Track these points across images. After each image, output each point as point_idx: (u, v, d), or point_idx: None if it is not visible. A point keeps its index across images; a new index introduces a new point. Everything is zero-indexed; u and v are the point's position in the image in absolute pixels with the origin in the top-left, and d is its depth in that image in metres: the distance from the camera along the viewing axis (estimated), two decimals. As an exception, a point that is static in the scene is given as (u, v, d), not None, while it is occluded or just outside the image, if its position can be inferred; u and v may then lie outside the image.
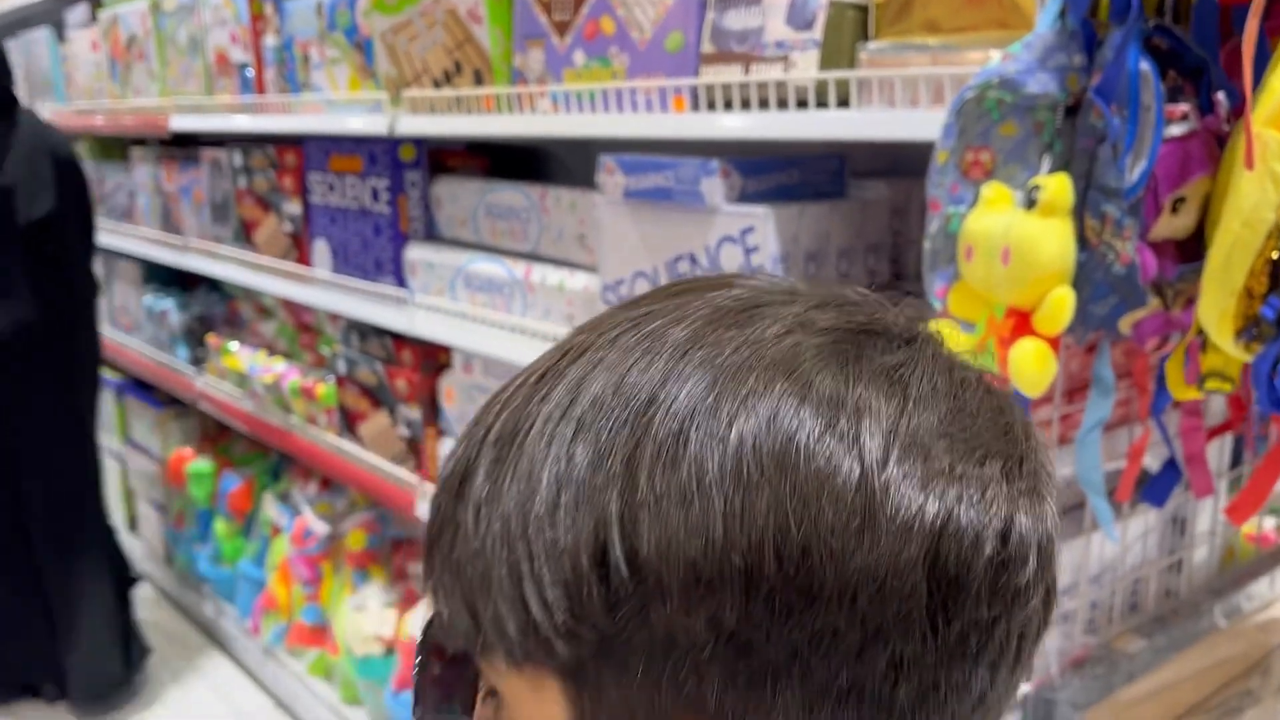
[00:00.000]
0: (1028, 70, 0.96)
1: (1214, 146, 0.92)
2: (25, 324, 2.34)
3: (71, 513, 2.52)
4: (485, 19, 1.66)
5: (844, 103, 1.18)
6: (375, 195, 2.03)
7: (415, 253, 1.96)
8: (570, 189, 1.69)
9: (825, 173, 1.41)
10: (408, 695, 2.12)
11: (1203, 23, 0.94)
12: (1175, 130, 0.89)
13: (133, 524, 3.50)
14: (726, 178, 1.32)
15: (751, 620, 0.34)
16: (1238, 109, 0.94)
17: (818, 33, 1.21)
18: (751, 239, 1.30)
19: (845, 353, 0.37)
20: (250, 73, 2.38)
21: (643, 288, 1.46)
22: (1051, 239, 0.91)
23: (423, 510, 2.01)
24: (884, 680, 0.35)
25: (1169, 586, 1.38)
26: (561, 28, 1.55)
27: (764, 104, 1.26)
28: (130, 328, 3.34)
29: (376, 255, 2.06)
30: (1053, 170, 0.98)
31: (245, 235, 2.52)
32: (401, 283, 2.00)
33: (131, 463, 3.41)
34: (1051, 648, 1.17)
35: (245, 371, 2.60)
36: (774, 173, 1.36)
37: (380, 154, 1.99)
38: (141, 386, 3.37)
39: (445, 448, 2.00)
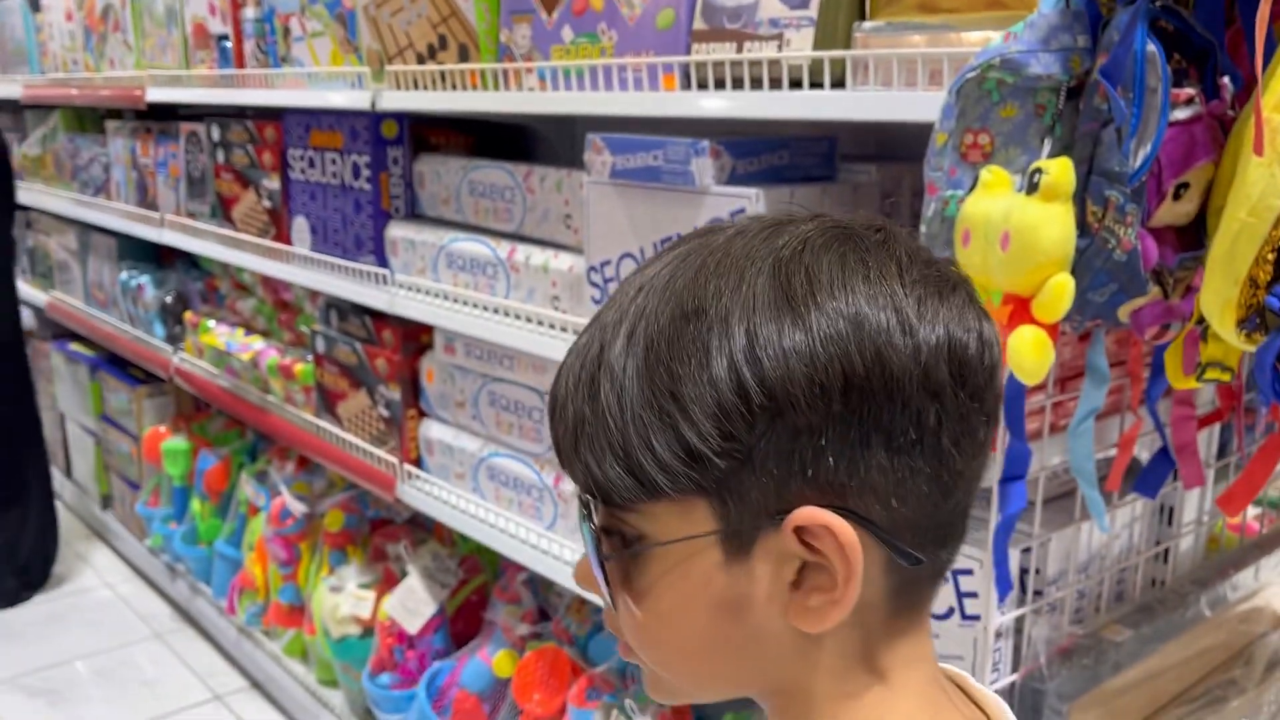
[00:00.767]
0: (1030, 51, 0.94)
1: (1218, 131, 0.90)
2: None
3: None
4: (471, -8, 1.63)
5: (839, 83, 1.16)
6: (356, 171, 1.99)
7: (397, 231, 1.93)
8: (557, 168, 1.66)
9: (816, 155, 1.39)
10: (384, 677, 2.10)
11: (1208, 5, 0.92)
12: (1180, 114, 0.87)
13: (107, 502, 3.45)
14: (717, 158, 1.29)
15: (849, 406, 0.50)
16: (1242, 94, 0.93)
17: (812, 10, 1.18)
18: (742, 221, 1.27)
19: (861, 242, 0.54)
20: (229, 45, 2.33)
21: (629, 270, 1.44)
22: (1053, 224, 0.89)
23: (403, 492, 1.98)
24: (934, 431, 0.51)
25: (1155, 575, 1.37)
26: (550, 3, 1.51)
27: (756, 83, 1.23)
28: (105, 303, 3.28)
29: (357, 233, 2.02)
30: (1053, 154, 0.96)
31: (223, 211, 2.47)
32: (382, 261, 1.96)
33: (106, 440, 3.36)
34: (1039, 637, 1.16)
35: (223, 349, 2.56)
36: (765, 154, 1.34)
37: (361, 130, 1.95)
38: (117, 363, 3.32)
39: (425, 429, 1.97)
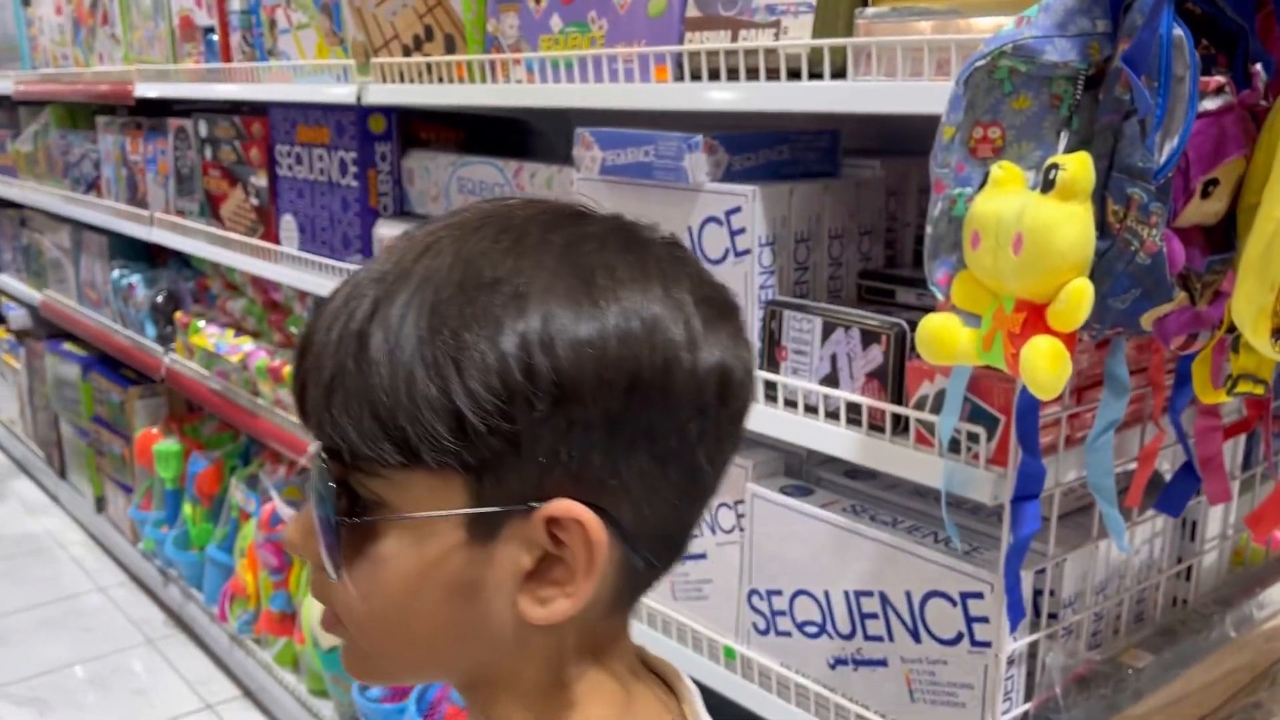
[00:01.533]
0: (1045, 36, 0.87)
1: (1250, 123, 0.83)
2: None
3: None
4: (457, -20, 1.56)
5: (839, 73, 1.09)
6: (344, 168, 1.93)
7: (385, 229, 1.86)
8: (548, 164, 1.59)
9: (817, 150, 1.31)
10: (375, 690, 2.03)
11: (1239, -14, 0.84)
12: (1210, 104, 0.80)
13: (101, 504, 3.40)
14: (711, 153, 1.22)
15: (628, 406, 0.51)
16: (1275, 82, 0.85)
17: (812, -5, 1.11)
18: (737, 220, 1.20)
19: (657, 250, 0.56)
20: (215, 38, 2.26)
21: (621, 270, 1.37)
22: (1070, 225, 0.82)
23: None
24: (692, 445, 0.53)
25: (1177, 594, 1.30)
26: (537, -10, 1.44)
27: (753, 74, 1.16)
28: (98, 303, 3.22)
29: (345, 231, 1.95)
30: (1070, 148, 0.89)
31: (212, 209, 2.41)
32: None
33: (99, 441, 3.30)
34: (1054, 664, 1.09)
35: (212, 350, 2.50)
36: (762, 149, 1.26)
37: (348, 125, 1.88)
38: (109, 363, 3.26)
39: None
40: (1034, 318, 0.86)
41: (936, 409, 1.05)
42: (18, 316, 4.02)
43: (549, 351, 0.49)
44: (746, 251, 1.20)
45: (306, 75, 1.95)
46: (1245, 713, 1.29)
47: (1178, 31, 0.78)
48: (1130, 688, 1.11)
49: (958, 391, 1.00)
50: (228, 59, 2.23)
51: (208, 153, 2.38)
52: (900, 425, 1.09)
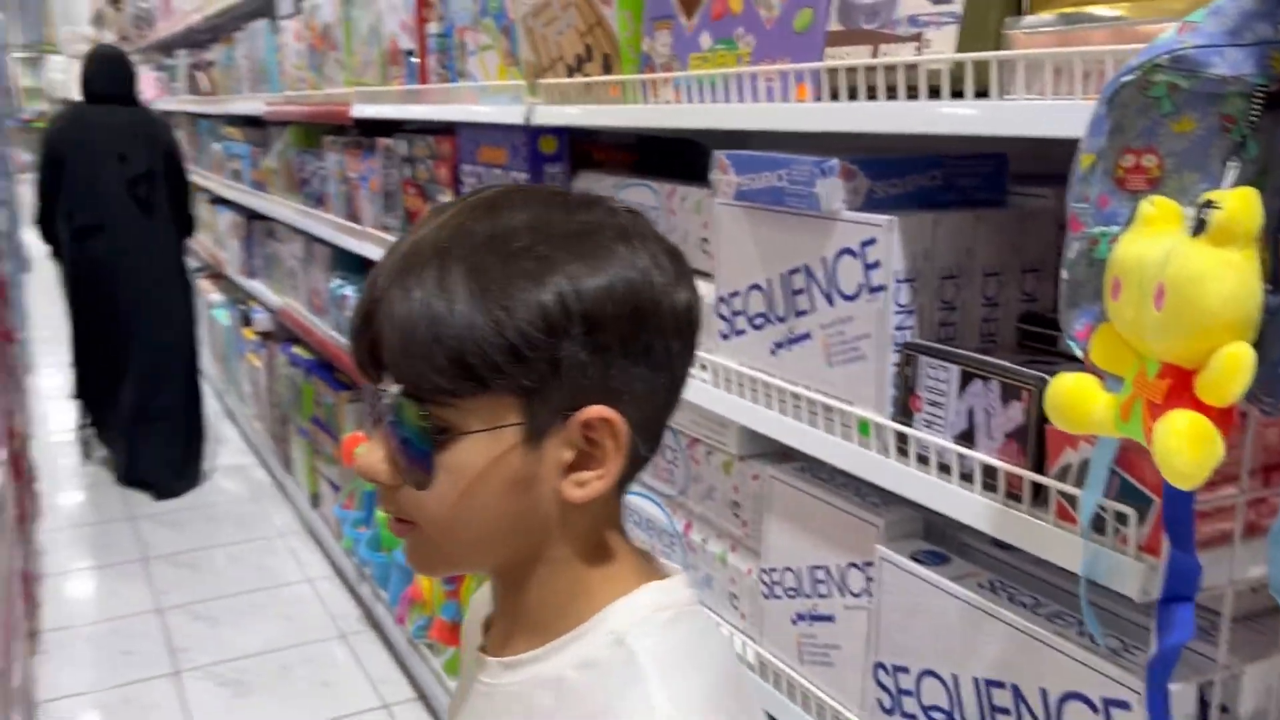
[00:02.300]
0: (1213, 45, 0.72)
1: None
2: None
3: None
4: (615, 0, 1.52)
5: (982, 92, 0.96)
6: (516, 188, 1.93)
7: (550, 250, 1.85)
8: (699, 187, 1.52)
9: (978, 175, 1.17)
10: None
11: None
12: None
13: (315, 500, 3.61)
14: (848, 179, 1.11)
15: (633, 333, 0.67)
16: None
17: (958, 4, 0.98)
18: (872, 252, 1.09)
19: (634, 219, 0.72)
20: (415, 60, 2.34)
21: (757, 304, 1.27)
22: (1224, 276, 0.67)
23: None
24: (673, 359, 0.70)
25: None
26: (690, 7, 1.38)
27: (892, 92, 1.05)
28: (321, 310, 3.43)
29: (515, 251, 1.95)
30: (1243, 181, 0.73)
31: (410, 225, 2.49)
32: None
33: (316, 441, 3.51)
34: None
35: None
36: (910, 174, 1.14)
37: (520, 146, 1.89)
38: (327, 368, 3.46)
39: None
40: (1180, 386, 0.71)
41: (1080, 481, 0.90)
42: (262, 320, 4.35)
43: (579, 296, 0.65)
44: (881, 288, 1.09)
45: (487, 96, 1.97)
46: None
47: (1374, 36, 0.62)
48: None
49: (1103, 463, 0.85)
50: (424, 80, 2.29)
51: (407, 171, 2.46)
52: (1040, 495, 0.95)
